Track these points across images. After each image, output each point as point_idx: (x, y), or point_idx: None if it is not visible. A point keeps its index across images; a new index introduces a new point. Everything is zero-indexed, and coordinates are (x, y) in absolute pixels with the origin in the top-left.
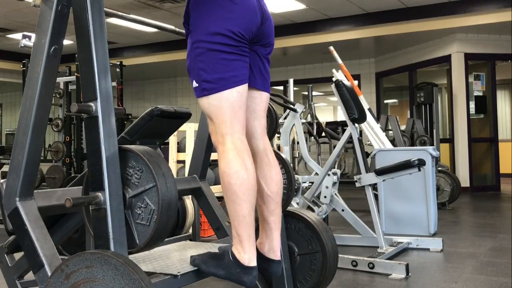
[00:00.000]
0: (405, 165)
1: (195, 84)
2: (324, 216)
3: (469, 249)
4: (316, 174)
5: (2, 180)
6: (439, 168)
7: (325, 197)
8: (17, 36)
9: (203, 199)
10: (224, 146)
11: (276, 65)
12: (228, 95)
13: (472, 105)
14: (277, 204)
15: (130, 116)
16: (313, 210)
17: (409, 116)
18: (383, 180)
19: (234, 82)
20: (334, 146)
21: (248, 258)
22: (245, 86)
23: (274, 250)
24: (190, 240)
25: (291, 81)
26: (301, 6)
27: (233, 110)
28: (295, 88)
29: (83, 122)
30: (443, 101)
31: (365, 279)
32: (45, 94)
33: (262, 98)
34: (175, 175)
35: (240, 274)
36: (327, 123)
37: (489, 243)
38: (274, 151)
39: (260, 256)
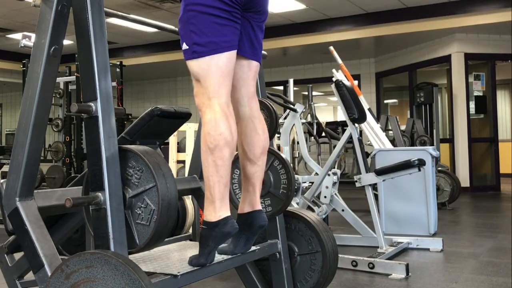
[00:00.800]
0: (405, 165)
1: (185, 46)
2: (324, 216)
3: (469, 249)
4: (316, 174)
5: (2, 180)
6: (439, 168)
7: (325, 197)
8: (17, 36)
9: (203, 199)
10: (210, 108)
11: (276, 65)
12: (218, 59)
13: (472, 105)
14: (259, 167)
15: (130, 116)
16: (313, 210)
17: (409, 116)
18: (383, 180)
19: (223, 47)
20: (334, 146)
21: (220, 214)
22: (234, 52)
23: (254, 203)
24: (190, 240)
25: (291, 81)
26: (301, 6)
27: (222, 75)
28: (295, 88)
29: (83, 122)
30: (443, 101)
31: (365, 279)
32: (45, 94)
33: (250, 67)
34: (175, 175)
35: (220, 230)
36: (327, 123)
37: (489, 243)
38: (274, 151)
39: (242, 218)
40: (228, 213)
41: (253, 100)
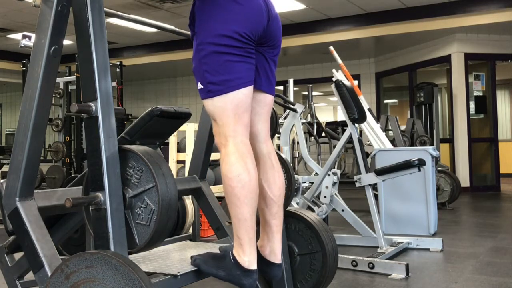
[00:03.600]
0: (405, 165)
1: (200, 86)
2: (324, 216)
3: (469, 249)
4: (316, 174)
5: (2, 180)
6: (439, 168)
7: (325, 197)
8: (17, 36)
9: (203, 199)
10: (226, 148)
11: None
12: (233, 97)
13: (472, 105)
14: (279, 208)
15: (130, 116)
16: (313, 210)
17: (409, 116)
18: (383, 180)
19: (239, 84)
20: (334, 146)
21: (248, 261)
22: (251, 88)
23: (275, 253)
24: (190, 240)
25: (291, 81)
26: (301, 6)
27: (237, 112)
28: (295, 88)
29: (83, 122)
30: (443, 101)
31: (365, 279)
32: (45, 94)
33: (266, 101)
34: (175, 175)
35: (240, 276)
36: (327, 123)
37: (489, 243)
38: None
39: (261, 258)
40: (255, 266)
41: (268, 136)
